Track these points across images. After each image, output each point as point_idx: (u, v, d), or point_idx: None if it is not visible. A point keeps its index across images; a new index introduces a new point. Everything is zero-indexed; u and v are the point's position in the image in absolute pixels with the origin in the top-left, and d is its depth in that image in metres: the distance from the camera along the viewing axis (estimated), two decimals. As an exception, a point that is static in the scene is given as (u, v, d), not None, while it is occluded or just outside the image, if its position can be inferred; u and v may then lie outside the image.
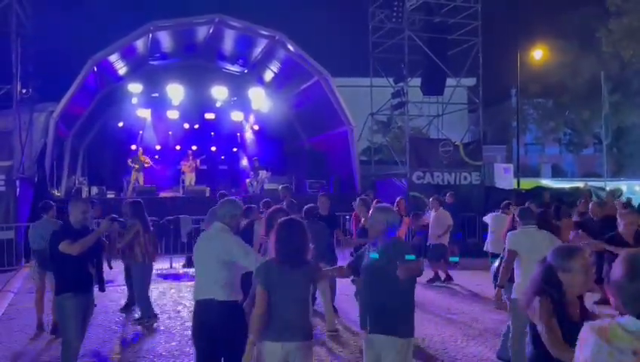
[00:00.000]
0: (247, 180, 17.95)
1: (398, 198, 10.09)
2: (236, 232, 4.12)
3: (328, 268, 4.55)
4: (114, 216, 5.22)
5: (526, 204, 6.85)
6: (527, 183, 21.32)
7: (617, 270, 1.92)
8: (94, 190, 15.76)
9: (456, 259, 10.34)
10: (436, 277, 10.05)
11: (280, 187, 10.68)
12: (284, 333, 3.38)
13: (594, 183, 19.07)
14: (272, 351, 3.40)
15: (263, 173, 17.49)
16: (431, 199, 10.75)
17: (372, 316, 3.62)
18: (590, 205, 8.81)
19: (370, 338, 3.66)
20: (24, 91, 13.09)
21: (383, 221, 3.71)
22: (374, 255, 3.56)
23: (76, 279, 4.62)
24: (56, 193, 14.30)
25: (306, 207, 7.17)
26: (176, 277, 10.57)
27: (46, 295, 6.81)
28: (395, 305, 3.56)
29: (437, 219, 10.08)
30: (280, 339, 3.38)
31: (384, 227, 3.69)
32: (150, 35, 15.44)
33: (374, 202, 9.43)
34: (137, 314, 7.26)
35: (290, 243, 3.46)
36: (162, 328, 7.02)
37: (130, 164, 17.02)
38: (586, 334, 1.87)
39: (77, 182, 16.69)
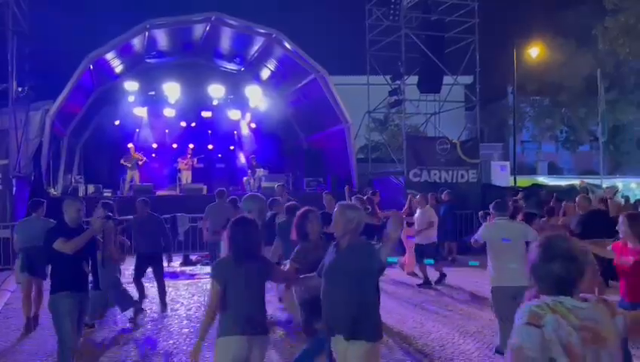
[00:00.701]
0: (245, 178, 17.93)
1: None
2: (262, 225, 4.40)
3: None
4: (109, 213, 5.20)
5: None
6: (523, 181, 21.38)
7: (533, 253, 2.13)
8: (91, 188, 15.72)
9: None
10: (442, 277, 9.79)
11: (276, 185, 10.68)
12: (247, 327, 3.55)
13: (590, 181, 19.13)
14: (238, 345, 3.54)
15: (260, 171, 17.48)
16: (417, 197, 10.33)
17: (335, 318, 3.54)
18: (577, 198, 8.78)
19: (335, 341, 3.58)
20: (20, 89, 13.06)
21: (353, 220, 3.62)
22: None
23: (71, 277, 4.61)
24: (52, 191, 14.26)
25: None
26: (174, 275, 10.57)
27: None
28: (360, 308, 3.47)
29: (421, 217, 9.79)
30: (245, 333, 3.55)
31: (353, 226, 3.60)
32: (147, 33, 15.40)
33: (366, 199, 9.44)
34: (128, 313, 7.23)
35: (244, 240, 3.66)
36: (160, 326, 7.02)
37: (123, 163, 16.98)
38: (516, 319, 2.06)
39: (73, 180, 16.65)
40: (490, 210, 5.86)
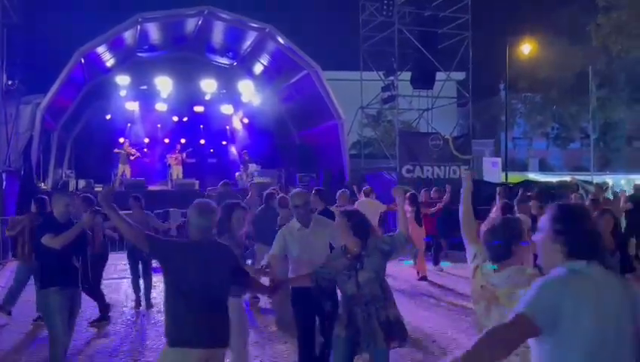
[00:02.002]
0: (237, 173, 17.87)
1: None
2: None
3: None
4: (97, 208, 5.15)
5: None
6: (514, 177, 21.47)
7: (484, 228, 2.93)
8: (82, 183, 15.61)
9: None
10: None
11: (268, 181, 10.67)
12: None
13: (581, 177, 19.24)
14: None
15: (252, 167, 17.43)
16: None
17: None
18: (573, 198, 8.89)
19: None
20: (10, 83, 12.93)
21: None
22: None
23: (61, 273, 4.56)
24: (42, 186, 14.15)
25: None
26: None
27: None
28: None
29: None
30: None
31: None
32: (138, 27, 15.28)
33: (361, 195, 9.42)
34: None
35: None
36: (152, 322, 7.00)
37: (117, 151, 16.92)
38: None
39: (64, 175, 16.54)
40: (515, 205, 5.95)
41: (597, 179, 18.91)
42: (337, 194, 8.66)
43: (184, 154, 18.05)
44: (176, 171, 17.64)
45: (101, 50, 15.47)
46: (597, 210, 5.63)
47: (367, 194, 9.68)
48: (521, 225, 2.99)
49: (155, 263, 8.22)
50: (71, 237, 4.53)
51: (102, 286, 7.22)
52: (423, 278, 9.46)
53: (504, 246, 2.80)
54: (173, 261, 3.22)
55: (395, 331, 3.62)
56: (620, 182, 23.17)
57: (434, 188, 12.37)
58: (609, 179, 22.80)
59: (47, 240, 4.48)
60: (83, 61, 14.69)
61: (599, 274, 1.95)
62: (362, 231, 3.66)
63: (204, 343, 3.14)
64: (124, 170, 16.82)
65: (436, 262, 10.49)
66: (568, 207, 2.14)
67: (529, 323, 1.83)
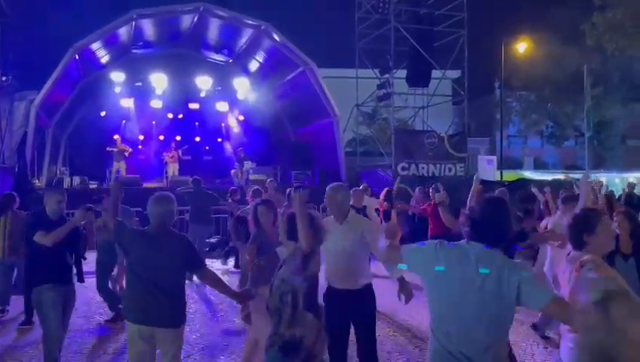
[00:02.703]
0: (232, 171, 17.83)
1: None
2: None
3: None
4: (89, 205, 5.12)
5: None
6: (509, 175, 21.55)
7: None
8: (76, 180, 15.55)
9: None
10: None
11: (268, 180, 10.67)
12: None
13: (575, 175, 19.32)
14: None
15: (248, 164, 17.40)
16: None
17: None
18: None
19: None
20: (4, 79, 12.85)
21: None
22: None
23: (54, 270, 4.54)
24: (37, 183, 14.08)
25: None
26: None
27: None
28: None
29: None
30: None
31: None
32: (133, 23, 15.22)
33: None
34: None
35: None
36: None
37: (109, 150, 16.87)
38: None
39: (58, 171, 16.45)
40: (560, 203, 5.96)
41: (591, 177, 18.97)
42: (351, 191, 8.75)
43: (180, 152, 18.00)
44: (173, 168, 17.59)
45: (96, 46, 15.39)
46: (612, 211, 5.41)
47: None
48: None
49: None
50: (63, 234, 4.51)
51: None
52: None
53: None
54: (132, 246, 3.64)
55: None
56: (614, 181, 23.33)
57: (433, 186, 12.24)
58: (603, 178, 22.94)
59: (39, 237, 4.46)
60: (77, 57, 14.62)
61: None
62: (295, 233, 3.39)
63: (150, 321, 3.56)
64: (118, 167, 16.75)
65: None
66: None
67: None
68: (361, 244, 4.16)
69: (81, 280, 5.10)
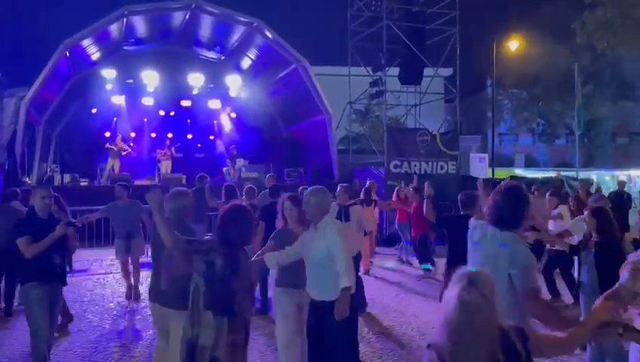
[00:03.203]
0: (225, 168, 17.80)
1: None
2: None
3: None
4: (70, 220, 5.06)
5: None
6: (501, 173, 21.64)
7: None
8: (67, 178, 15.44)
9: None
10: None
11: (268, 176, 10.68)
12: None
13: (566, 173, 19.46)
14: None
15: (240, 162, 17.36)
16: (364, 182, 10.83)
17: None
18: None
19: None
20: (-6, 75, 12.72)
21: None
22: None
23: (40, 268, 4.49)
24: (27, 181, 13.97)
25: None
26: (151, 265, 10.45)
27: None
28: None
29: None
30: None
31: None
32: (124, 20, 15.11)
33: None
34: None
35: None
36: (139, 317, 6.96)
37: (108, 146, 16.77)
38: None
39: (49, 169, 16.32)
40: (591, 202, 6.08)
41: (582, 174, 19.14)
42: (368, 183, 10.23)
43: (173, 149, 17.92)
44: (165, 166, 17.52)
45: (86, 43, 15.27)
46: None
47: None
48: None
49: (143, 259, 8.21)
50: (43, 248, 4.46)
51: (89, 282, 7.16)
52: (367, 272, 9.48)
53: None
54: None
55: None
56: (605, 178, 23.53)
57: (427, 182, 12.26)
58: (593, 175, 23.14)
59: (21, 245, 4.44)
60: (68, 54, 14.49)
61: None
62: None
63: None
64: (113, 164, 16.66)
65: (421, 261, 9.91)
66: None
67: None
68: (328, 255, 3.87)
69: (64, 282, 4.94)
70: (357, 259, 6.75)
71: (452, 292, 1.95)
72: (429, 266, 9.56)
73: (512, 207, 2.95)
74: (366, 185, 10.42)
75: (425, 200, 6.12)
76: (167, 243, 3.20)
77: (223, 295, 3.16)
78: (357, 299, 4.37)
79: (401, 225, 10.78)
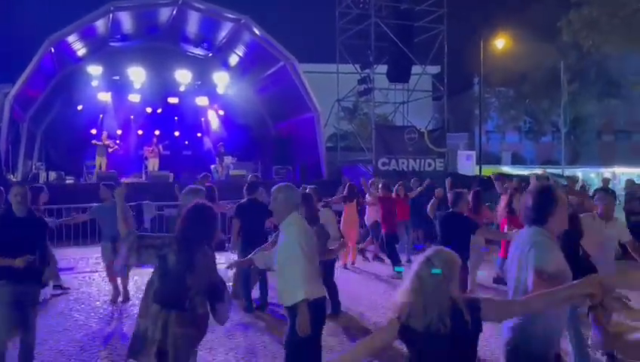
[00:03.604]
0: (212, 166, 17.70)
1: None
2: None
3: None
4: (47, 220, 4.95)
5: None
6: (488, 170, 21.79)
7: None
8: (52, 175, 15.27)
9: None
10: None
11: (250, 176, 10.59)
12: None
13: (552, 170, 19.66)
14: None
15: (228, 159, 17.28)
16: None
17: None
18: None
19: None
20: (-23, 71, 12.54)
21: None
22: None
23: (10, 267, 4.26)
24: (12, 178, 13.79)
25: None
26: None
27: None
28: None
29: None
30: None
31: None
32: (111, 16, 14.96)
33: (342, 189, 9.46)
34: None
35: None
36: (126, 315, 6.91)
37: (95, 143, 16.60)
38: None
39: (34, 167, 16.14)
40: (596, 200, 6.11)
41: (567, 172, 19.34)
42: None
43: (161, 147, 17.79)
44: (153, 163, 17.39)
45: (72, 39, 15.11)
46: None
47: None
48: None
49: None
50: (6, 264, 4.28)
51: (75, 280, 7.08)
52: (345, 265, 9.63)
53: None
54: None
55: None
56: (590, 175, 23.79)
57: (413, 179, 12.16)
58: (579, 173, 23.38)
59: None
60: (53, 50, 14.33)
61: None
62: None
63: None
64: (100, 162, 16.50)
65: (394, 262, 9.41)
66: None
67: None
68: (285, 257, 3.60)
69: (39, 282, 4.77)
70: (330, 264, 6.65)
71: (414, 266, 2.49)
72: (402, 269, 9.26)
73: (539, 204, 3.06)
74: (360, 182, 10.48)
75: (432, 200, 6.96)
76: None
77: (174, 290, 3.25)
78: (330, 305, 4.29)
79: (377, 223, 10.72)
